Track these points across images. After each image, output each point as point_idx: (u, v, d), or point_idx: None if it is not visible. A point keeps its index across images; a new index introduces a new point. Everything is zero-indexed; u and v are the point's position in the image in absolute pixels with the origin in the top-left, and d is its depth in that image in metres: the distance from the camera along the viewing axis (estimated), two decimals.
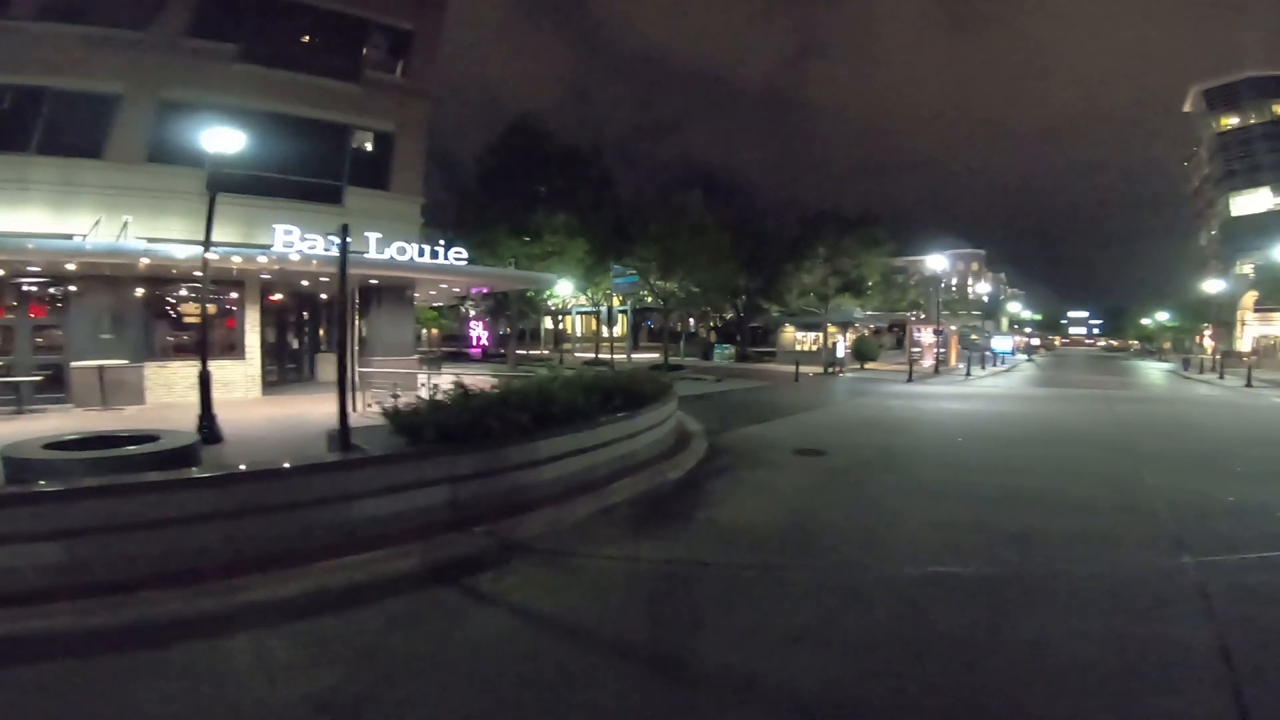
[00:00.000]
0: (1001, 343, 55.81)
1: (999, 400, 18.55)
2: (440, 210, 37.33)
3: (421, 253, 14.98)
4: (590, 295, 33.74)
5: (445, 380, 9.94)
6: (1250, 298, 56.93)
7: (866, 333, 46.03)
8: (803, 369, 29.47)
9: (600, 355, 34.23)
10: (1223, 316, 59.33)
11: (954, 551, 4.99)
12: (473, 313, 51.84)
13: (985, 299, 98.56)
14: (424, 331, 58.42)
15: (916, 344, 38.60)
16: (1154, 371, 40.00)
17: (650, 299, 34.40)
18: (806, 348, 35.19)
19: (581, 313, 52.27)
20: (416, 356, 18.23)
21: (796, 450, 9.58)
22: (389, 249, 14.46)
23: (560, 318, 52.19)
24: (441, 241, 15.73)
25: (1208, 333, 62.71)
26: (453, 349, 51.72)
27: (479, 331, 53.48)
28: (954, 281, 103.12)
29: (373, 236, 14.44)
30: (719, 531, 5.78)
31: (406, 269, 14.91)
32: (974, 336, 59.32)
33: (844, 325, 34.13)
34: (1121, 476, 7.63)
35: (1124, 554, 4.82)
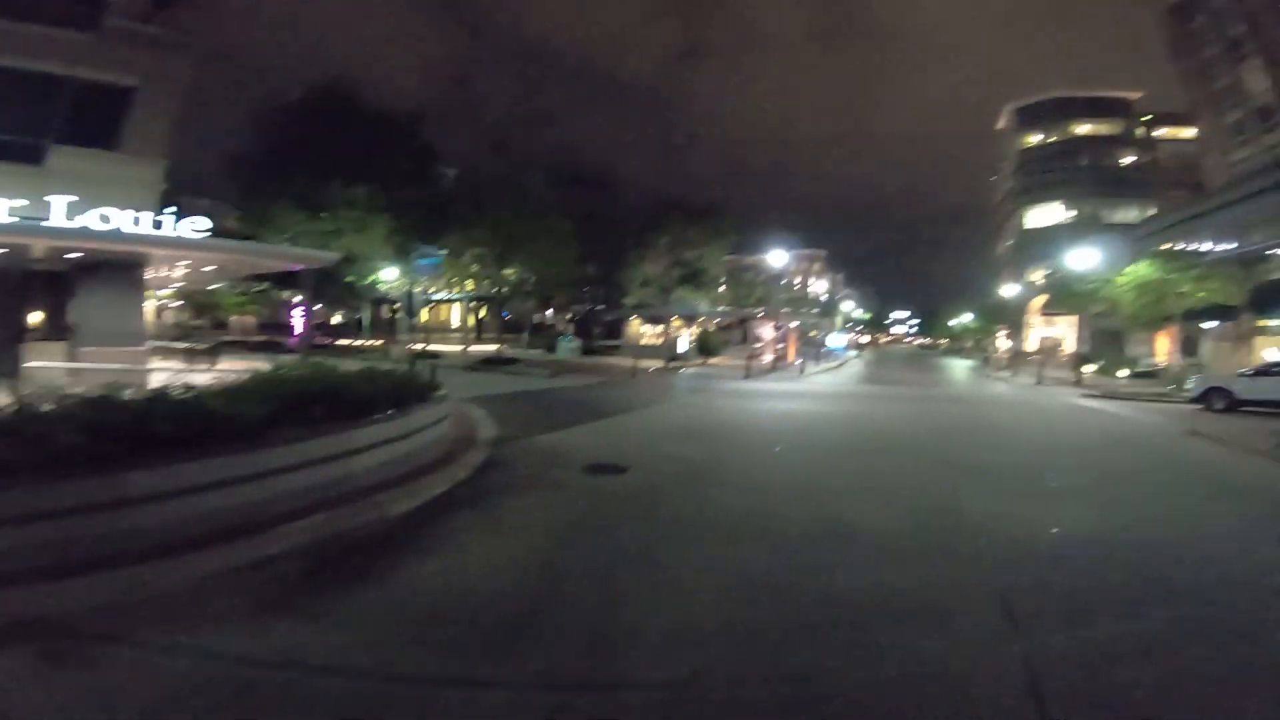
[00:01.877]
0: (836, 339, 59.41)
1: (826, 399, 18.39)
2: (227, 180, 32.09)
3: (137, 222, 11.56)
4: (408, 278, 30.49)
5: (201, 377, 7.48)
6: (1039, 302, 64.99)
7: (712, 328, 46.54)
8: (643, 363, 28.50)
9: (430, 348, 31.12)
10: (1015, 319, 67.41)
11: (720, 644, 3.43)
12: (297, 299, 46.16)
13: (824, 297, 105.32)
14: (232, 318, 51.34)
15: (758, 339, 39.35)
16: (960, 369, 43.95)
17: (496, 288, 31.79)
18: (651, 341, 34.42)
19: (431, 301, 48.27)
20: (147, 347, 14.48)
21: (591, 466, 7.92)
22: (81, 216, 10.98)
23: (395, 305, 47.95)
24: (172, 210, 12.40)
25: (1003, 333, 70.99)
26: (266, 338, 45.55)
27: (299, 319, 47.76)
28: (797, 280, 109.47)
29: (60, 200, 10.90)
30: (404, 605, 3.88)
31: (109, 241, 11.47)
32: (812, 333, 62.68)
33: (688, 319, 33.75)
34: (941, 499, 6.70)
35: (938, 637, 3.45)
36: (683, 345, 28.63)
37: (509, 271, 29.34)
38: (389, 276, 30.44)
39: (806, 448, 9.72)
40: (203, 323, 47.06)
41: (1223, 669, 3.16)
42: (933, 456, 9.09)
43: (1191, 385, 17.96)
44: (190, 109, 16.43)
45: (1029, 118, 77.73)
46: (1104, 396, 20.83)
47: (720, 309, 58.59)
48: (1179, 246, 18.09)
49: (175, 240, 12.39)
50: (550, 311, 56.00)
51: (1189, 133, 57.65)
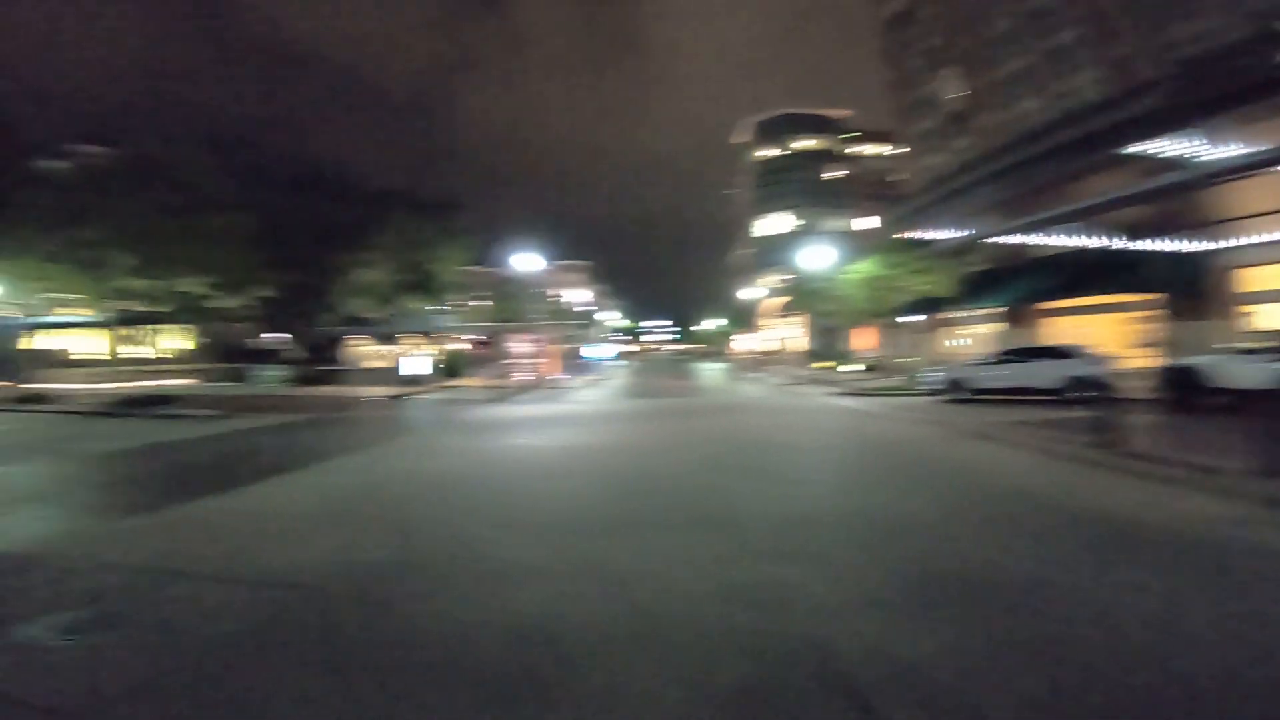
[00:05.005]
0: (603, 350, 58.40)
1: (586, 424, 15.24)
2: None
3: None
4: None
5: None
6: (773, 304, 71.09)
7: (463, 345, 41.69)
8: (372, 391, 23.12)
9: (47, 386, 21.88)
10: (753, 321, 73.12)
11: None
12: None
13: (591, 309, 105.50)
14: None
15: (514, 357, 35.69)
16: (714, 372, 45.06)
17: (148, 303, 23.45)
18: (385, 364, 28.72)
19: (82, 325, 36.25)
20: None
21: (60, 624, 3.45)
22: None
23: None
24: None
25: (743, 336, 76.71)
26: None
27: None
28: (561, 292, 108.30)
29: None
30: None
31: None
32: (579, 345, 61.02)
33: (431, 336, 28.76)
34: (762, 640, 3.58)
35: None
36: (420, 366, 23.73)
37: (180, 285, 21.71)
38: None
39: (532, 526, 6.09)
40: None
41: None
42: (723, 524, 6.10)
43: (934, 378, 18.40)
44: None
45: (763, 133, 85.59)
46: (852, 394, 20.94)
47: (480, 325, 53.68)
48: (909, 237, 18.45)
49: None
50: (276, 335, 46.12)
51: (881, 149, 67.43)
